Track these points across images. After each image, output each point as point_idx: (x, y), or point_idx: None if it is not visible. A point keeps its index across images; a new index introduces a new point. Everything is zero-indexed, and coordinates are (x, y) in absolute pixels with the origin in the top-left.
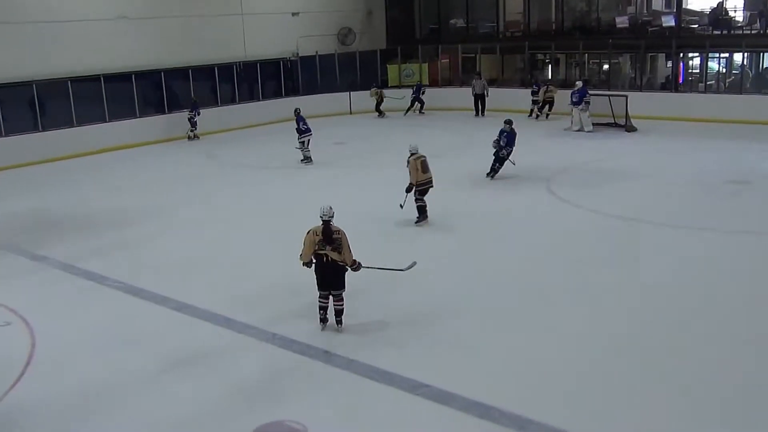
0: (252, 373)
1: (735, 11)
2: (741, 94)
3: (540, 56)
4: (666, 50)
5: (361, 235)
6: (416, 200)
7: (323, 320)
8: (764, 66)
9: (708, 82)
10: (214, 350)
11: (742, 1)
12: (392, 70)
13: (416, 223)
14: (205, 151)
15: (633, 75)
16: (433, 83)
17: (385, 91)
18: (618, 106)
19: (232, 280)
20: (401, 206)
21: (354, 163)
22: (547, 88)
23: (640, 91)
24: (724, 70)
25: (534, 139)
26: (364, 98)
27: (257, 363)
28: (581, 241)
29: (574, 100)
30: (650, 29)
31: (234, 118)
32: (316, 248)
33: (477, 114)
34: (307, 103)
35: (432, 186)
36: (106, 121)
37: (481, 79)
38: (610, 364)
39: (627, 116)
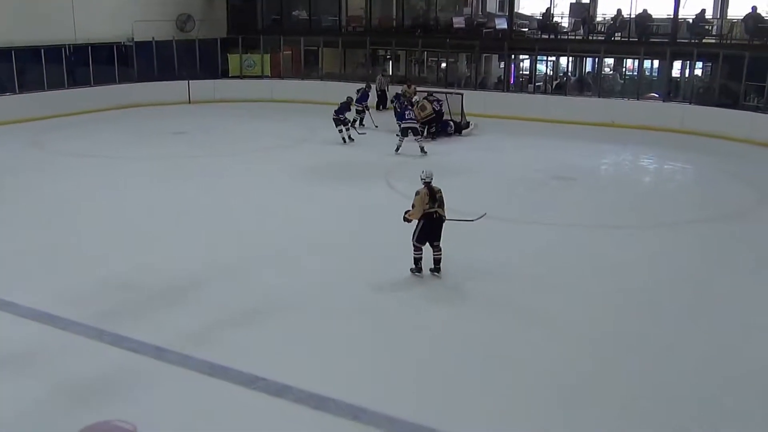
0: (79, 372)
1: (562, 17)
2: (565, 95)
3: (381, 52)
4: (499, 51)
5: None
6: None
7: (420, 270)
8: (586, 70)
9: (536, 84)
10: (37, 349)
11: (568, 9)
12: (233, 60)
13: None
14: (30, 139)
15: (468, 74)
16: (276, 75)
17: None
18: (454, 104)
19: (56, 275)
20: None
21: (194, 153)
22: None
23: (475, 89)
24: (551, 73)
25: (373, 136)
26: (203, 87)
27: (85, 361)
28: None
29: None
30: (485, 30)
31: (63, 103)
32: (427, 207)
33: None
34: (143, 90)
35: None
36: None
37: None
38: (445, 356)
39: (462, 113)
